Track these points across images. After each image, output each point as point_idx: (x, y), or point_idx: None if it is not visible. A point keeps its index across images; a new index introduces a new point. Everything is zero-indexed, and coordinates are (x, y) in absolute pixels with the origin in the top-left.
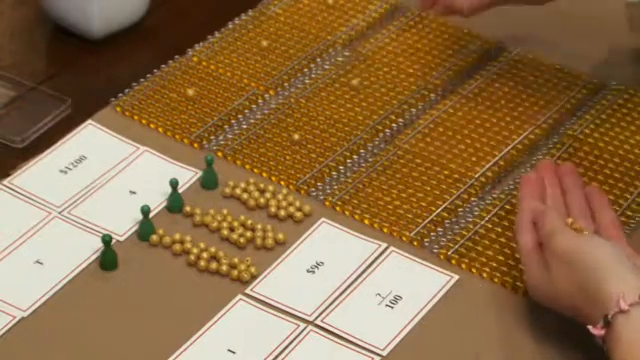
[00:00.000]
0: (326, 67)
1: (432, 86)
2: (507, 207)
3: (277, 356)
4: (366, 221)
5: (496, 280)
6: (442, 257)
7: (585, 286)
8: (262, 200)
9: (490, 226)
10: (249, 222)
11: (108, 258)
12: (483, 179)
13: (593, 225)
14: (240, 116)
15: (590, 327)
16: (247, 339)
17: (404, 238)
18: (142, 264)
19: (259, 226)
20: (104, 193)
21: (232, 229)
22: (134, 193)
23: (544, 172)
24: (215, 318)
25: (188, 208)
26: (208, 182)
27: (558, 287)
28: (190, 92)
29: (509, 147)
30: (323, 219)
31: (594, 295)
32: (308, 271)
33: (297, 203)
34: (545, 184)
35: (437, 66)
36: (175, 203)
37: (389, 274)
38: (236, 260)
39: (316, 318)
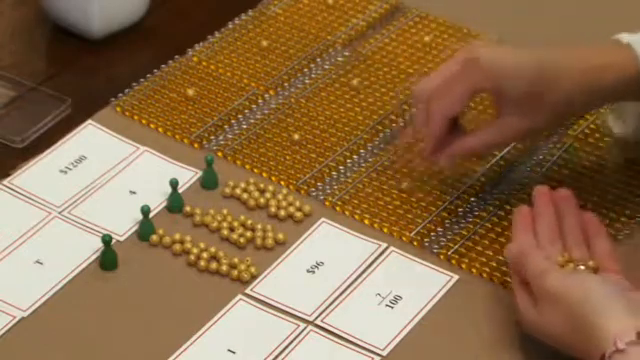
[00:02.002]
0: (326, 67)
1: None
2: (507, 207)
3: (277, 356)
4: (366, 221)
5: (496, 280)
6: (442, 257)
7: (578, 325)
8: (262, 200)
9: (490, 226)
10: (249, 222)
11: (108, 258)
12: (483, 179)
13: (588, 254)
14: (240, 116)
15: None
16: (247, 339)
17: (404, 238)
18: (142, 264)
19: (259, 226)
20: (104, 193)
21: (232, 229)
22: (134, 193)
23: (538, 200)
24: (215, 318)
25: (188, 208)
26: (208, 182)
27: (549, 326)
28: (190, 92)
29: (509, 147)
30: (323, 219)
31: (589, 333)
32: (308, 271)
33: (297, 203)
34: (536, 214)
35: (437, 66)
36: (175, 203)
37: (389, 274)
38: (236, 260)
39: (316, 318)
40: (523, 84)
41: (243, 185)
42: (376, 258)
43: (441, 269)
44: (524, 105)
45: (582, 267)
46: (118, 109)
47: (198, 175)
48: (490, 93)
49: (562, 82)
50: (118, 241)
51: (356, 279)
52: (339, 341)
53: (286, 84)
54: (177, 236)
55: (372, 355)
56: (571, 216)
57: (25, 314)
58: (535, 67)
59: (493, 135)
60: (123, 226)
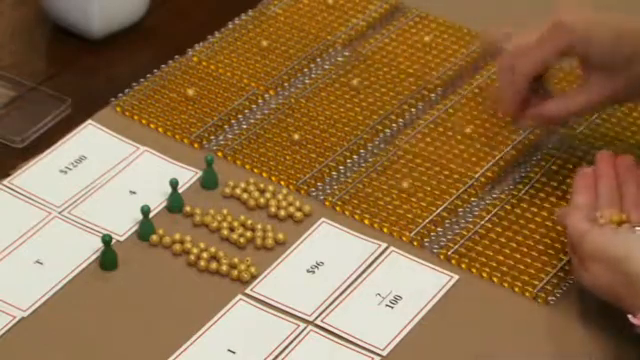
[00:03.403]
0: (326, 67)
1: (432, 86)
2: (507, 207)
3: (277, 356)
4: (366, 221)
5: (496, 280)
6: (442, 257)
7: (623, 281)
8: (262, 200)
9: (490, 226)
10: (249, 222)
11: (108, 258)
12: (483, 179)
13: None
14: (240, 116)
15: (630, 316)
16: (247, 339)
17: (404, 238)
18: (142, 264)
19: (259, 226)
20: (104, 193)
21: (232, 229)
22: (134, 193)
23: (600, 163)
24: (215, 318)
25: (188, 208)
26: (208, 182)
27: (597, 282)
28: (190, 92)
29: (509, 147)
30: (323, 219)
31: (635, 288)
32: (308, 271)
33: (297, 203)
34: (598, 176)
35: (437, 66)
36: (175, 203)
37: (389, 274)
38: (236, 260)
39: (316, 318)
40: (608, 50)
41: (243, 185)
42: (376, 258)
43: (441, 269)
44: (608, 70)
45: (638, 229)
46: (118, 109)
47: (198, 175)
48: (576, 56)
49: None
50: (118, 241)
51: (356, 279)
52: (339, 341)
53: (286, 84)
54: (177, 236)
55: (372, 355)
56: (631, 181)
57: (25, 314)
58: (618, 36)
59: (574, 101)
60: (123, 226)
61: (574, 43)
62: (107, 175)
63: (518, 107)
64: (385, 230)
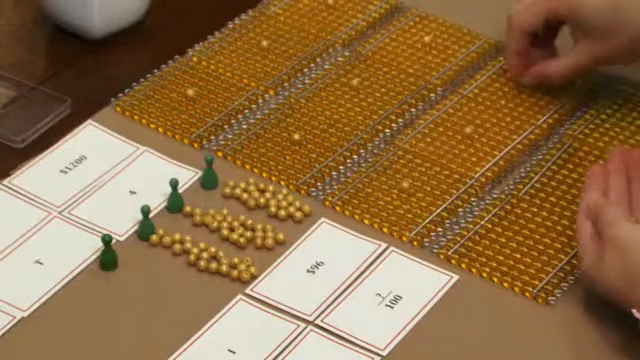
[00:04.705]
0: (326, 67)
1: (432, 86)
2: (507, 207)
3: (277, 356)
4: (366, 221)
5: (496, 280)
6: (442, 257)
7: (635, 272)
8: (262, 200)
9: (490, 226)
10: (249, 222)
11: (108, 258)
12: (483, 179)
13: None
14: (240, 116)
15: (634, 310)
16: (247, 339)
17: (404, 238)
18: (142, 264)
19: (259, 226)
20: (104, 193)
21: (232, 229)
22: (134, 193)
23: (612, 159)
24: (215, 318)
25: (188, 208)
26: (208, 182)
27: (610, 274)
28: (190, 92)
29: (509, 147)
30: (323, 219)
31: None
32: (308, 271)
33: (297, 203)
34: (609, 172)
35: (437, 66)
36: (175, 203)
37: (389, 274)
38: (236, 260)
39: (316, 318)
40: (598, 19)
41: (243, 185)
42: (376, 258)
43: (441, 269)
44: (597, 37)
45: None
46: (118, 109)
47: (198, 175)
48: (566, 19)
49: (638, 21)
50: (118, 241)
51: (356, 279)
52: (339, 341)
53: (286, 84)
54: (177, 236)
55: (372, 355)
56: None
57: (25, 314)
58: (612, 7)
59: (570, 59)
60: (123, 226)
61: (565, 6)
62: (107, 175)
63: (520, 63)
64: (385, 230)
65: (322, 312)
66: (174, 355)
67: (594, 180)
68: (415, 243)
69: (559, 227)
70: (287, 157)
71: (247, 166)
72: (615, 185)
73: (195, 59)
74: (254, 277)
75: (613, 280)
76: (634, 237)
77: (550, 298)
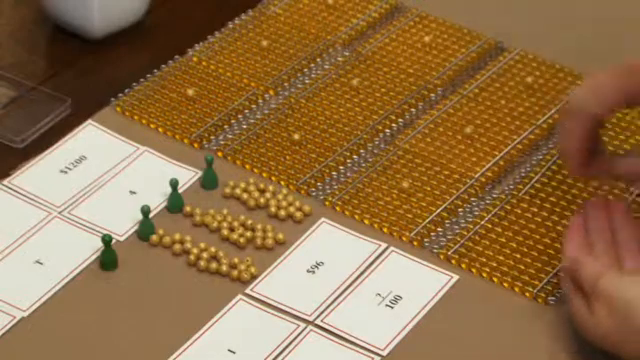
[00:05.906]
0: (326, 67)
1: (432, 86)
2: (507, 207)
3: (277, 356)
4: (366, 221)
5: (496, 280)
6: (442, 257)
7: (633, 325)
8: (262, 200)
9: (490, 226)
10: (249, 222)
11: (108, 258)
12: (483, 179)
13: None
14: (240, 116)
15: None
16: (247, 339)
17: (404, 238)
18: (142, 264)
19: (259, 226)
20: (104, 193)
21: (232, 229)
22: (134, 193)
23: (591, 211)
24: (215, 318)
25: (188, 208)
26: (208, 182)
27: (603, 327)
28: (190, 92)
29: (509, 147)
30: (323, 219)
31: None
32: (308, 271)
33: (297, 203)
34: (589, 226)
35: (437, 66)
36: (175, 203)
37: (389, 274)
38: (236, 260)
39: (316, 318)
40: None
41: (243, 185)
42: (376, 258)
43: (441, 269)
44: None
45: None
46: (118, 109)
47: (198, 175)
48: None
49: None
50: (118, 241)
51: (356, 279)
52: (339, 341)
53: (286, 84)
54: (177, 236)
55: (372, 355)
56: (626, 226)
57: (25, 314)
58: None
59: None
60: (123, 226)
61: None
62: (107, 175)
63: (584, 158)
64: (385, 230)
65: (322, 312)
66: (174, 355)
67: (572, 235)
68: (415, 243)
69: (559, 227)
70: (287, 157)
71: (247, 166)
72: (599, 236)
73: (195, 59)
74: (254, 277)
75: (607, 334)
76: (621, 288)
77: (550, 298)
